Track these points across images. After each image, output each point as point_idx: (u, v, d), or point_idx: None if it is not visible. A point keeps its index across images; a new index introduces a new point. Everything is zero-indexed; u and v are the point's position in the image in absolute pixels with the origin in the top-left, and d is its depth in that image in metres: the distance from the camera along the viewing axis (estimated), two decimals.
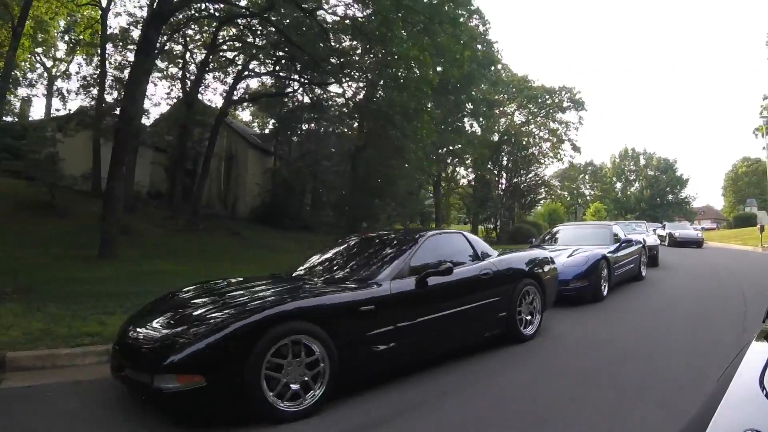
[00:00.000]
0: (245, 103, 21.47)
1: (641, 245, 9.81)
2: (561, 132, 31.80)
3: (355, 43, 12.04)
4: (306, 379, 2.76)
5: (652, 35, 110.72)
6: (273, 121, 26.61)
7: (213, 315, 2.80)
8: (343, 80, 12.09)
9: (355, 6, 10.24)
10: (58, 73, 23.36)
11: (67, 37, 22.70)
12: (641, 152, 62.42)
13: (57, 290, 6.79)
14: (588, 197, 61.23)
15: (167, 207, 18.82)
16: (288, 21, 14.54)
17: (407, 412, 2.97)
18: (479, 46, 17.13)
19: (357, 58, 12.06)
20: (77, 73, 18.42)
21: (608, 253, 7.66)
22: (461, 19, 9.21)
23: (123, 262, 10.39)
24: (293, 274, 4.15)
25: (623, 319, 6.05)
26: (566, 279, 6.48)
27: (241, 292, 3.26)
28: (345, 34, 9.61)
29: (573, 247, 7.86)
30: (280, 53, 16.89)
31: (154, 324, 3.02)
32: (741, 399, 1.05)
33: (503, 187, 27.19)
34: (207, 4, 14.48)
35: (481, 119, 21.52)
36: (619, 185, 64.97)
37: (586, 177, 61.16)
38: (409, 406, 3.06)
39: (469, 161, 23.78)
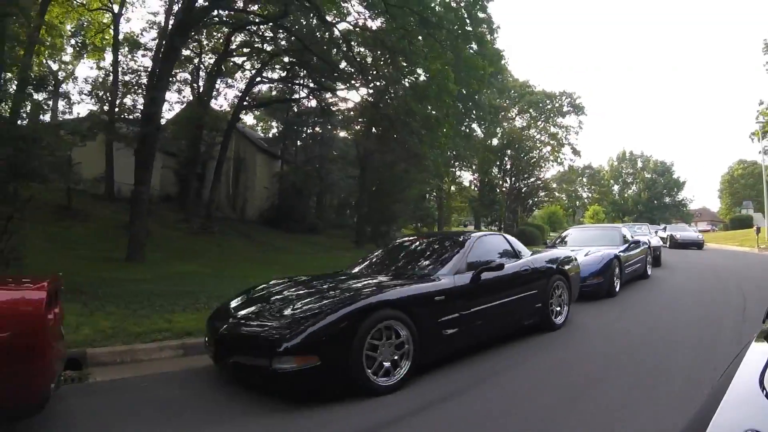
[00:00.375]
0: (254, 108, 22.03)
1: (647, 246, 10.52)
2: (562, 136, 32.68)
3: (364, 50, 12.63)
4: (395, 358, 3.35)
5: (653, 36, 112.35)
6: (277, 124, 27.30)
7: (312, 305, 3.36)
8: (358, 86, 12.71)
9: (371, 17, 10.81)
10: (62, 77, 23.72)
11: (74, 41, 23.04)
12: (638, 155, 63.55)
13: (104, 291, 7.13)
14: (585, 200, 62.19)
15: (179, 210, 19.33)
16: (297, 27, 15.12)
17: (473, 386, 3.58)
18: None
19: (370, 63, 12.67)
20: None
21: (620, 252, 8.33)
22: (487, 37, 9.84)
23: (151, 265, 10.85)
24: (355, 271, 4.76)
25: (635, 312, 6.70)
26: (583, 276, 7.09)
27: (327, 286, 3.86)
28: (365, 46, 10.20)
29: (587, 247, 8.50)
30: (292, 59, 17.54)
31: (253, 316, 3.58)
32: (741, 399, 1.06)
33: (506, 190, 27.98)
34: (220, 11, 15.00)
35: (487, 124, 22.25)
36: (616, 188, 65.98)
37: (584, 180, 62.11)
38: (472, 382, 3.66)
39: (474, 166, 24.46)
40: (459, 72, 9.34)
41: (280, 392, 3.25)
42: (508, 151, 27.59)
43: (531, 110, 31.55)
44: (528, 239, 23.97)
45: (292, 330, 3.10)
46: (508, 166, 28.96)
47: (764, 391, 1.05)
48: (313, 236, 22.64)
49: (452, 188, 29.50)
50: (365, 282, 3.81)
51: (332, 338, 3.09)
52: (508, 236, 5.32)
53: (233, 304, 3.99)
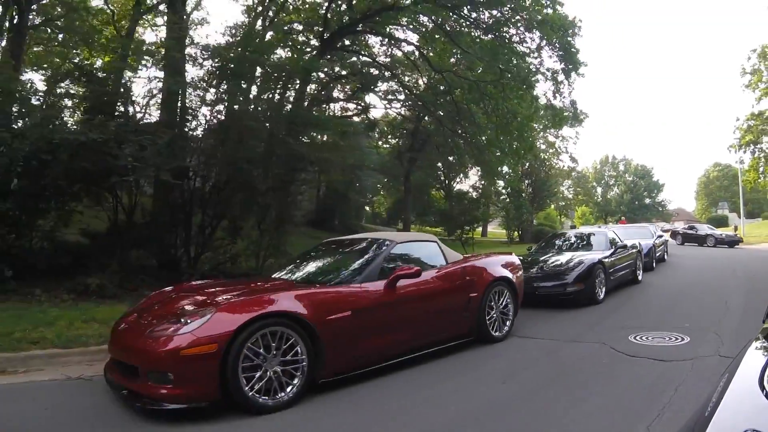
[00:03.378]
0: None
1: (665, 239, 15.56)
2: (559, 145, 38.39)
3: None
4: (602, 286, 7.91)
5: (633, 44, 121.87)
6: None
7: (569, 262, 7.83)
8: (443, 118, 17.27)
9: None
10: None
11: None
12: (620, 159, 70.47)
13: None
14: (571, 201, 68.44)
15: None
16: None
17: (627, 300, 8.21)
18: None
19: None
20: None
21: (654, 242, 13.22)
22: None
23: None
24: (550, 249, 9.31)
25: (673, 275, 11.65)
26: None
27: (554, 254, 8.43)
28: (462, 89, 14.63)
29: (631, 240, 13.31)
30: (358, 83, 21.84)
31: (536, 268, 7.96)
32: (741, 399, 1.14)
33: (526, 195, 33.15)
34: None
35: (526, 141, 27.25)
36: (599, 190, 72.63)
37: (570, 182, 68.39)
38: (626, 298, 8.28)
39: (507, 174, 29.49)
40: (546, 119, 13.84)
41: (565, 305, 7.59)
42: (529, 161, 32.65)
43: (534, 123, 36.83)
44: (546, 236, 29.09)
45: (571, 273, 7.57)
46: (526, 175, 34.09)
47: (764, 391, 1.12)
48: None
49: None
50: (577, 252, 8.40)
51: (588, 276, 7.61)
52: (614, 230, 10.04)
53: None
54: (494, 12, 12.49)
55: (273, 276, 5.38)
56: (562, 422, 3.24)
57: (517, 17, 12.55)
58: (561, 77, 12.78)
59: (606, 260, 8.26)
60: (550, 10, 11.63)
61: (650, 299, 8.35)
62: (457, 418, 3.39)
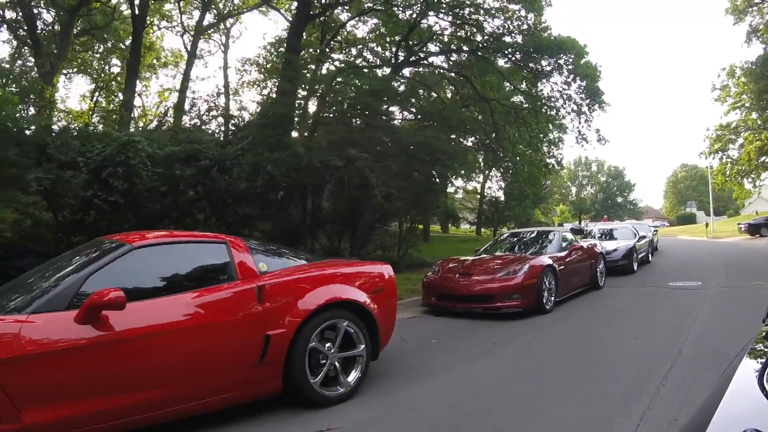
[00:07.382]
0: None
1: (656, 231, 20.86)
2: (546, 151, 43.99)
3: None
4: (635, 262, 12.73)
5: (608, 49, 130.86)
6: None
7: (616, 244, 12.63)
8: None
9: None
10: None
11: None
12: (593, 160, 77.60)
13: None
14: (547, 200, 74.64)
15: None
16: None
17: (649, 270, 13.00)
18: None
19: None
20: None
21: (651, 234, 18.34)
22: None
23: None
24: (593, 238, 14.08)
25: (670, 257, 16.73)
26: None
27: (612, 239, 13.26)
28: (501, 113, 19.30)
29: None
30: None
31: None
32: (741, 399, 1.18)
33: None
34: None
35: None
36: (574, 189, 79.40)
37: (549, 181, 74.67)
38: (647, 271, 13.07)
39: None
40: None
41: (615, 273, 12.10)
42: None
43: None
44: None
45: (616, 252, 12.30)
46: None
47: (764, 391, 1.17)
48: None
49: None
50: (614, 240, 13.17)
51: (629, 255, 12.38)
52: (637, 226, 15.00)
53: None
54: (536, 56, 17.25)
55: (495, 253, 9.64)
56: (659, 316, 7.53)
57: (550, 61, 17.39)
58: (584, 108, 17.71)
59: (636, 245, 13.08)
60: (582, 60, 16.49)
61: (665, 269, 13.20)
62: (616, 312, 7.82)
